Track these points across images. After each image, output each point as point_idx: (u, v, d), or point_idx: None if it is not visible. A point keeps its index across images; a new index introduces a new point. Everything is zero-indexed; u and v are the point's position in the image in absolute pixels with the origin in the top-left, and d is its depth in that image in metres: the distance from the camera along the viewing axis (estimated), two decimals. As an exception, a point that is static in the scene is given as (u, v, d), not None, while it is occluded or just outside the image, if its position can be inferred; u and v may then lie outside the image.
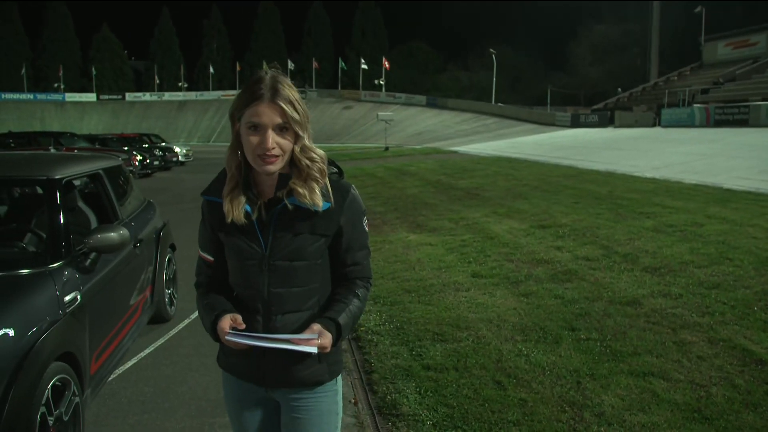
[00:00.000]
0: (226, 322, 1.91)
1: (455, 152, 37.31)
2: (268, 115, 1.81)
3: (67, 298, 3.41)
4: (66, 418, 3.17)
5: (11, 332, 2.91)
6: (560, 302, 6.05)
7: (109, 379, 4.34)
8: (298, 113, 1.84)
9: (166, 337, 5.53)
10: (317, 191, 1.90)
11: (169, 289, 5.91)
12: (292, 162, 1.90)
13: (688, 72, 54.50)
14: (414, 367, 4.56)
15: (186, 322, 5.93)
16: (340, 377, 2.10)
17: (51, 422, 3.01)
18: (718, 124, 34.84)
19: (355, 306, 2.01)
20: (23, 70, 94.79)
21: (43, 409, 2.93)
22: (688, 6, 57.30)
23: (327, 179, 1.94)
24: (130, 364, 4.91)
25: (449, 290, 6.63)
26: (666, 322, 5.38)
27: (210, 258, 2.09)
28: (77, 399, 3.29)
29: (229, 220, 1.92)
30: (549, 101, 75.95)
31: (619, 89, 60.20)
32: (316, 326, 1.89)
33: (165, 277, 5.76)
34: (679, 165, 20.03)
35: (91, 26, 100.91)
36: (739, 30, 50.47)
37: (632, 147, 28.12)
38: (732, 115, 34.62)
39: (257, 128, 1.82)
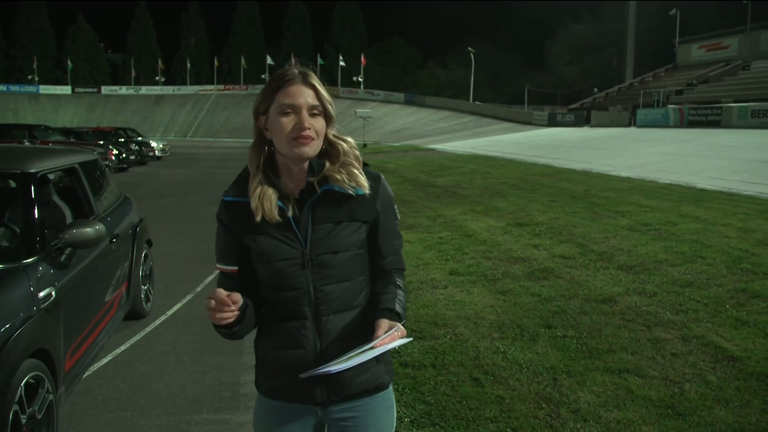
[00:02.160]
0: (221, 294, 1.66)
1: (433, 150, 37.40)
2: (302, 94, 1.75)
3: (42, 293, 3.36)
4: (40, 416, 3.12)
5: (-16, 328, 2.87)
6: (537, 300, 6.10)
7: (84, 376, 4.29)
8: (328, 98, 1.80)
9: (142, 333, 5.48)
10: (358, 173, 1.83)
11: (145, 285, 5.85)
12: (324, 151, 1.82)
13: (663, 73, 55.17)
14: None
15: (162, 318, 5.88)
16: (391, 386, 1.98)
17: (24, 420, 2.96)
18: (692, 124, 35.32)
19: (402, 296, 1.90)
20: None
21: (15, 407, 2.89)
22: (663, 8, 57.93)
23: (360, 166, 1.88)
24: (105, 360, 4.85)
25: (427, 288, 6.65)
26: (641, 320, 5.44)
27: (233, 268, 1.89)
28: (51, 396, 3.25)
29: (259, 218, 1.78)
30: (526, 100, 76.41)
31: (596, 89, 60.72)
32: (384, 321, 1.77)
33: (141, 273, 5.71)
34: (654, 164, 20.26)
35: (66, 17, 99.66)
36: (713, 33, 51.22)
37: (608, 146, 28.39)
38: (705, 116, 35.12)
39: (291, 109, 1.74)
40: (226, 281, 1.89)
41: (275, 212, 1.77)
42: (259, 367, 1.94)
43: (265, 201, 1.77)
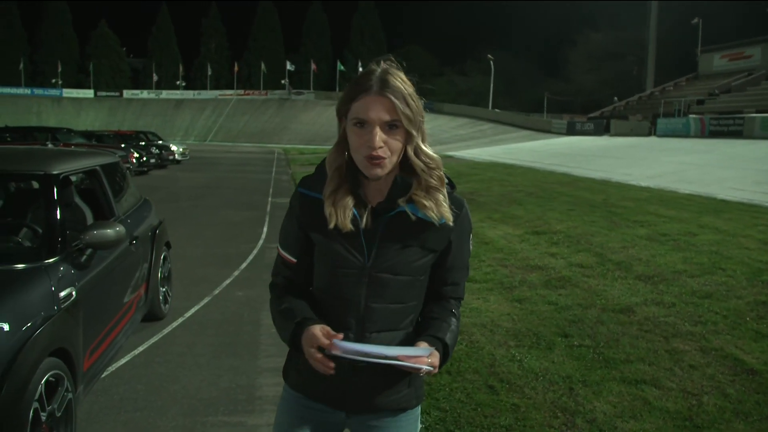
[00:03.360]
0: (318, 332, 1.66)
1: (451, 157, 37.35)
2: (375, 109, 1.61)
3: (62, 293, 3.40)
4: (59, 414, 3.16)
5: (5, 326, 2.90)
6: (554, 308, 6.07)
7: (102, 376, 4.33)
8: (411, 110, 1.64)
9: (160, 335, 5.52)
10: (444, 202, 1.73)
11: (163, 287, 5.90)
12: (409, 164, 1.70)
13: (684, 82, 54.80)
14: (407, 370, 4.55)
15: (180, 320, 5.92)
16: (420, 406, 1.93)
17: (44, 418, 3.00)
18: (713, 134, 35.02)
19: (456, 327, 1.82)
20: (21, 65, 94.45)
21: (35, 404, 2.92)
22: (684, 16, 57.61)
23: (445, 190, 1.76)
24: (123, 361, 4.89)
25: (443, 294, 6.62)
26: (659, 331, 5.40)
27: (292, 259, 1.85)
28: (70, 395, 3.28)
29: (332, 226, 1.70)
30: (545, 108, 76.16)
31: (615, 98, 60.50)
32: (424, 344, 1.69)
33: (160, 275, 5.75)
34: (674, 174, 20.10)
35: (89, 22, 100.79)
36: (735, 42, 50.83)
37: (627, 155, 28.21)
38: (727, 126, 34.80)
39: (363, 125, 1.63)
40: (283, 268, 1.87)
41: (348, 222, 1.69)
42: (291, 361, 1.89)
43: (340, 209, 1.70)
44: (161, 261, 5.83)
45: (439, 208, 1.72)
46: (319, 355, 1.65)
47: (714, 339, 5.18)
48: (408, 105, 1.63)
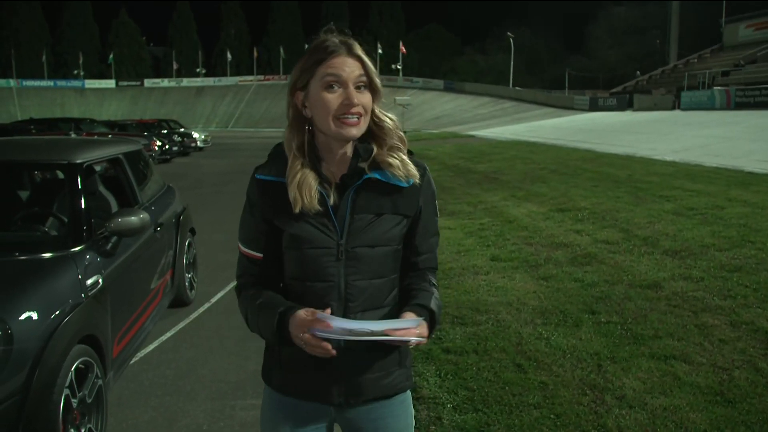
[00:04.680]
0: (304, 314, 1.58)
1: (473, 136, 37.14)
2: (348, 66, 1.61)
3: (89, 281, 3.43)
4: (89, 401, 3.20)
5: (35, 315, 2.94)
6: (580, 285, 6.02)
7: (131, 362, 4.38)
8: (374, 69, 1.66)
9: (187, 320, 5.57)
10: (408, 160, 1.70)
11: (189, 273, 5.94)
12: (367, 132, 1.68)
13: (709, 54, 53.71)
14: (434, 350, 4.56)
15: (206, 306, 5.96)
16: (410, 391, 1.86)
17: (75, 404, 3.04)
18: (739, 106, 34.34)
19: (438, 296, 1.77)
20: (44, 57, 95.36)
21: (66, 391, 2.96)
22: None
23: (407, 152, 1.73)
24: (151, 347, 4.95)
25: (468, 274, 6.61)
26: (687, 305, 5.34)
27: (258, 255, 1.77)
28: (100, 381, 3.32)
29: (298, 210, 1.64)
30: (567, 85, 75.26)
31: (638, 72, 59.54)
32: (411, 314, 1.64)
33: (185, 261, 5.79)
34: (699, 148, 19.80)
35: (109, 12, 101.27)
36: (762, 11, 49.54)
37: (651, 130, 27.82)
38: (753, 97, 34.08)
39: (336, 84, 1.61)
40: (249, 266, 1.80)
41: (315, 202, 1.64)
42: (272, 360, 1.80)
43: (305, 190, 1.64)
44: (186, 247, 5.87)
45: (405, 166, 1.69)
46: (313, 339, 1.55)
47: (744, 313, 5.10)
48: (372, 64, 1.67)
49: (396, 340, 1.57)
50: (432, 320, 1.70)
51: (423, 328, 1.62)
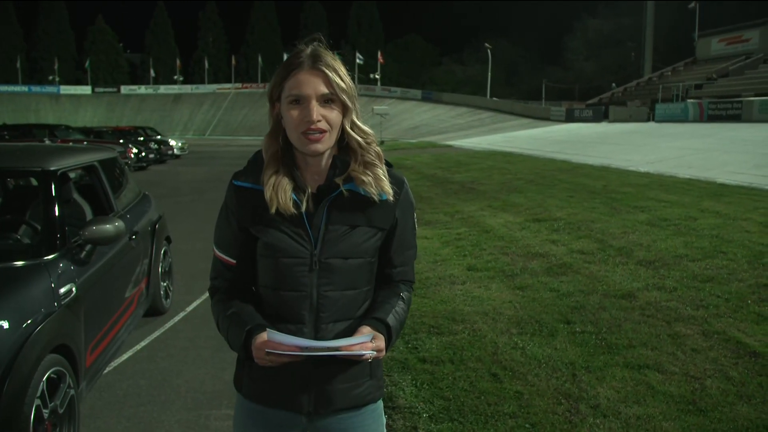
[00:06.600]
0: (265, 337, 1.61)
1: (450, 146, 37.30)
2: (310, 83, 1.60)
3: (63, 290, 3.39)
4: (61, 411, 3.16)
5: (6, 324, 2.90)
6: (555, 295, 6.07)
7: (105, 371, 4.33)
8: (345, 83, 1.63)
9: (162, 329, 5.53)
10: (383, 176, 1.70)
11: (164, 281, 5.90)
12: (346, 144, 1.70)
13: (682, 67, 54.58)
14: (410, 359, 4.57)
15: (181, 315, 5.92)
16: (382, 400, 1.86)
17: (46, 415, 3.00)
18: (712, 119, 34.88)
19: (402, 309, 1.77)
20: (18, 63, 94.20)
21: (38, 401, 2.92)
22: (682, 2, 57.34)
23: (384, 166, 1.74)
24: (125, 356, 4.90)
25: (445, 283, 6.63)
26: (661, 315, 5.40)
27: (231, 261, 1.78)
28: (72, 392, 3.28)
29: (273, 210, 1.65)
30: (544, 96, 75.96)
31: (614, 84, 60.28)
32: (366, 328, 1.66)
33: (161, 269, 5.75)
34: (673, 159, 20.06)
35: (86, 18, 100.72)
36: (733, 26, 50.49)
37: (626, 141, 28.15)
38: (725, 110, 34.65)
39: (299, 100, 1.61)
40: (223, 270, 1.81)
41: (290, 204, 1.65)
42: (243, 368, 1.79)
43: (280, 191, 1.65)
44: (162, 255, 5.83)
45: (378, 182, 1.69)
46: (274, 358, 1.59)
47: (716, 322, 5.17)
48: (341, 78, 1.63)
49: (352, 354, 1.59)
50: (389, 334, 1.70)
51: (379, 341, 1.65)
